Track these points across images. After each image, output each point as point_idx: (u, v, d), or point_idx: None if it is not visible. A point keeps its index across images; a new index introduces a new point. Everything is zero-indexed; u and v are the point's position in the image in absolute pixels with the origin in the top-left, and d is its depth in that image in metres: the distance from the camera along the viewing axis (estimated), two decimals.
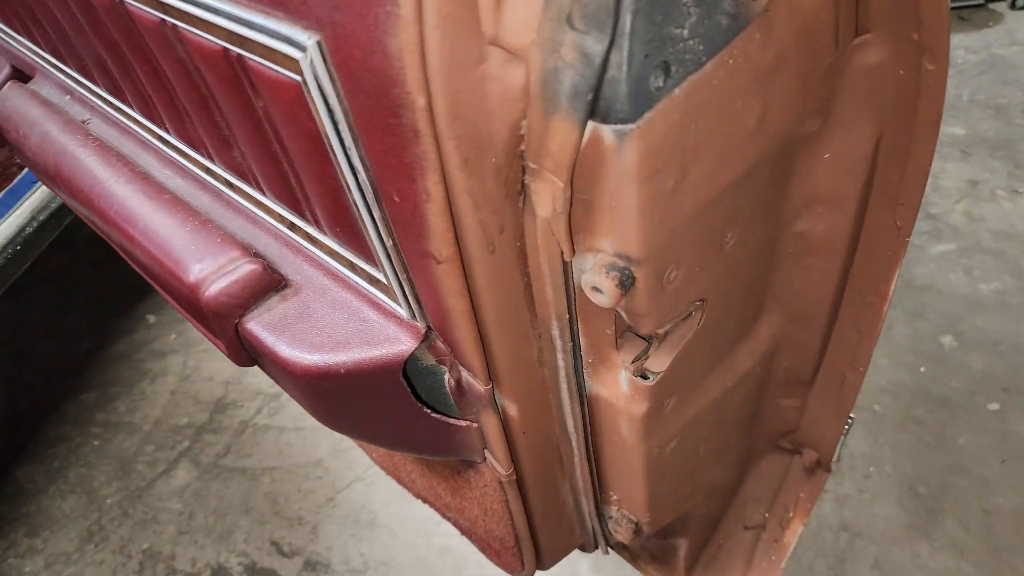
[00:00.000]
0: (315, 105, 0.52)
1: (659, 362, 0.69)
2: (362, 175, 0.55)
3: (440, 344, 0.70)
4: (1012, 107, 3.14)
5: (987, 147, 2.95)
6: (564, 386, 0.73)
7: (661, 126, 0.48)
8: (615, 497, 0.89)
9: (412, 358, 0.72)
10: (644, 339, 0.71)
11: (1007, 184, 2.79)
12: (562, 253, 0.57)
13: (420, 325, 0.69)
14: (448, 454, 0.83)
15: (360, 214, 0.59)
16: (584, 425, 0.77)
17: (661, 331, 0.67)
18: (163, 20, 0.66)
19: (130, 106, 0.97)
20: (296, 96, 0.55)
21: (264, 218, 0.82)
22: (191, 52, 0.65)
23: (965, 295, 2.42)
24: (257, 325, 0.77)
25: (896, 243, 0.72)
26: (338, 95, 0.51)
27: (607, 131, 0.47)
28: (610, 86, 0.45)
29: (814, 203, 0.70)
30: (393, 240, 0.59)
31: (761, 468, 1.02)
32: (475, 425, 0.78)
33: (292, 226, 0.78)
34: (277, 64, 0.54)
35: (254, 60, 0.57)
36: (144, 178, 0.92)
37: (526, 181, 0.53)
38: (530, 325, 0.67)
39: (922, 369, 2.22)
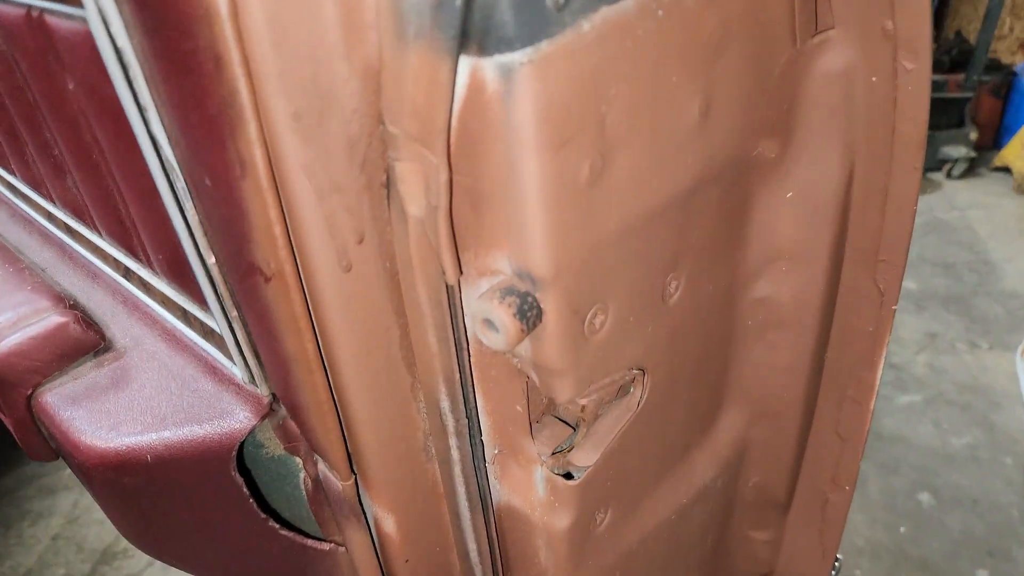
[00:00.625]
0: (103, 46, 0.38)
1: (586, 454, 0.51)
2: (165, 149, 0.40)
3: (291, 423, 0.52)
4: (960, 265, 3.19)
5: (940, 301, 2.96)
6: (461, 490, 0.54)
7: (566, 70, 0.34)
8: None
9: (255, 443, 0.53)
10: (569, 425, 0.53)
11: (965, 337, 2.75)
12: (444, 274, 0.41)
13: (263, 393, 0.51)
14: None
15: (170, 215, 0.44)
16: (492, 550, 0.57)
17: (586, 406, 0.50)
18: None
19: None
20: (89, 47, 0.41)
21: (102, 269, 0.66)
22: (3, 27, 0.51)
23: (936, 448, 2.30)
24: (54, 397, 0.57)
25: (880, 314, 0.58)
26: (126, 25, 0.37)
27: (489, 66, 0.33)
28: None
29: (777, 258, 0.57)
30: (214, 254, 0.43)
31: None
32: (341, 548, 0.57)
33: (127, 272, 0.61)
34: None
35: (52, 8, 0.43)
36: None
37: (391, 161, 0.39)
38: (410, 392, 0.49)
39: (901, 529, 2.03)
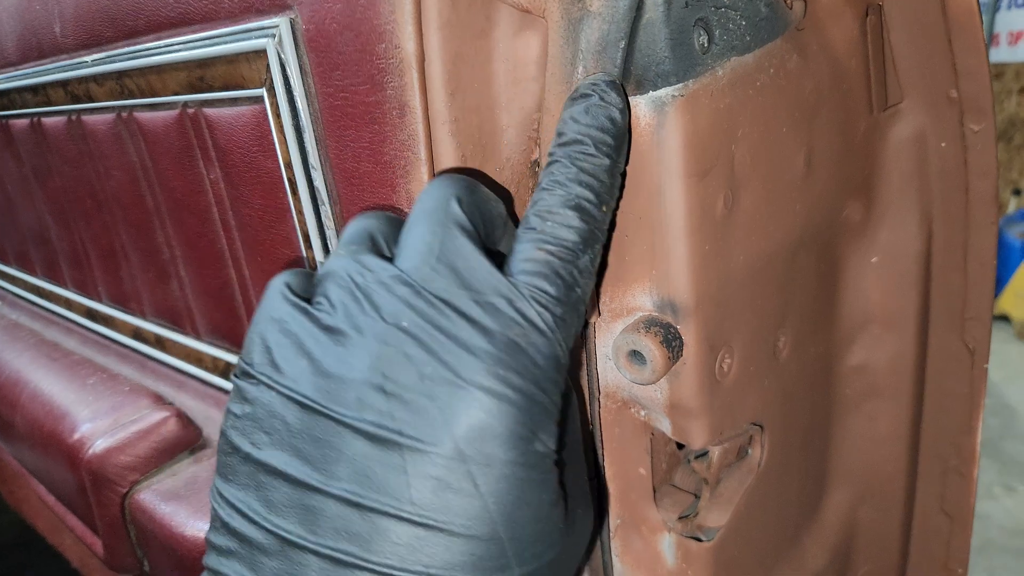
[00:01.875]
0: (278, 112, 0.43)
1: (717, 514, 0.50)
2: (326, 207, 0.43)
3: None
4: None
5: None
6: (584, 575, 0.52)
7: (706, 107, 0.39)
8: None
9: None
10: (688, 493, 0.52)
11: (1001, 481, 2.68)
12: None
13: None
14: None
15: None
16: None
17: (711, 465, 0.49)
18: (119, 112, 0.59)
19: (45, 277, 0.86)
20: (257, 123, 0.46)
21: (194, 372, 0.66)
22: (145, 135, 0.57)
23: None
24: (153, 495, 0.56)
25: (972, 375, 0.59)
26: (307, 90, 0.42)
27: (643, 102, 0.38)
28: (647, 32, 0.36)
29: (868, 323, 0.59)
30: None
31: None
32: None
33: (227, 369, 0.62)
34: (239, 86, 0.46)
35: (214, 98, 0.49)
36: (47, 344, 0.77)
37: None
38: None
39: None
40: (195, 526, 0.53)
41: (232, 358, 0.62)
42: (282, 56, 0.41)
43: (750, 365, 0.48)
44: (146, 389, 0.63)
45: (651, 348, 0.41)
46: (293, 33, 0.41)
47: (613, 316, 0.44)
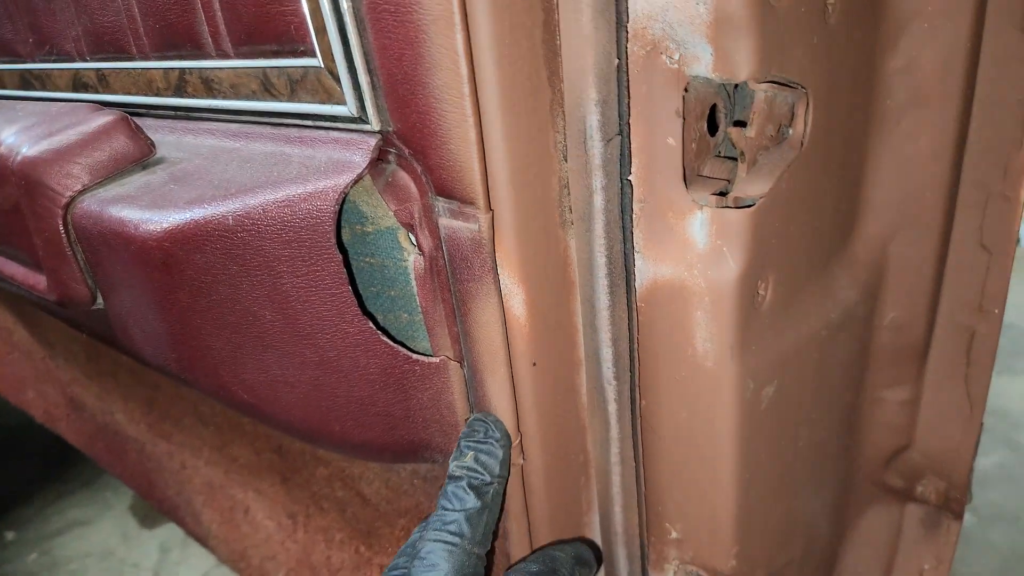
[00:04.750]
0: None
1: (757, 185, 0.43)
2: None
3: (403, 176, 0.43)
4: None
5: None
6: (600, 260, 0.45)
7: None
8: (674, 535, 0.55)
9: (356, 214, 0.45)
10: (722, 181, 0.46)
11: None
12: None
13: (374, 127, 0.43)
14: (384, 448, 0.50)
15: None
16: (631, 347, 0.48)
17: (752, 126, 0.42)
18: None
19: None
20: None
21: (146, 101, 0.57)
22: None
23: None
24: (100, 202, 0.48)
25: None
26: None
27: None
28: None
29: (918, 13, 0.52)
30: None
31: (863, 528, 0.69)
32: (452, 363, 0.47)
33: (180, 82, 0.53)
34: None
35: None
36: None
37: None
38: (548, 109, 0.42)
39: None
40: (156, 216, 0.45)
41: (187, 64, 0.53)
42: None
43: (804, 2, 0.41)
44: (83, 104, 0.55)
45: None
46: None
47: None
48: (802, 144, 0.45)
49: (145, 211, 0.45)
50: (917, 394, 0.64)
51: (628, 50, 0.41)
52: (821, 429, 0.58)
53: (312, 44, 0.43)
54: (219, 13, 0.47)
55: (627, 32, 0.40)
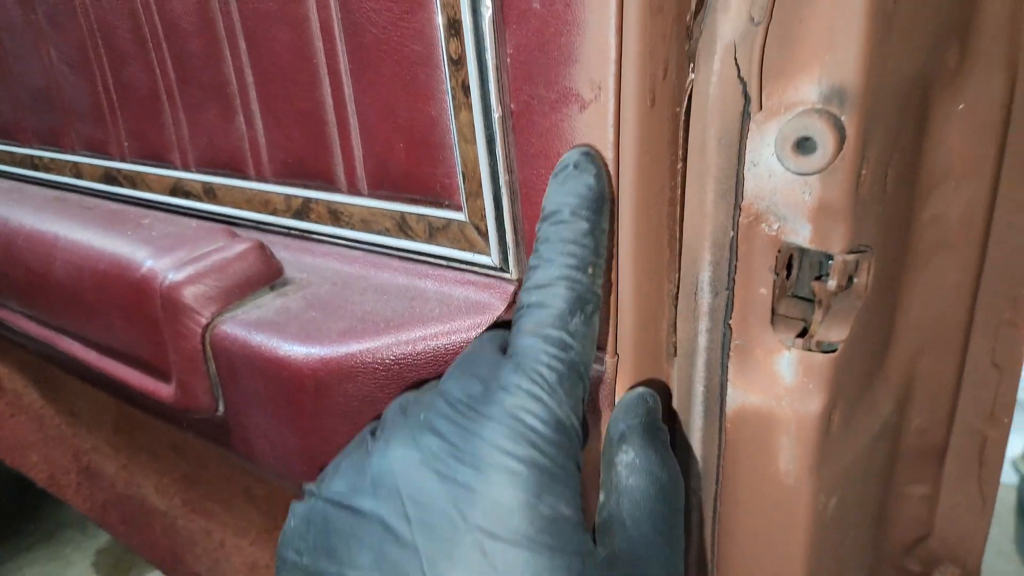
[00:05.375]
0: None
1: (836, 330, 0.51)
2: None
3: None
4: None
5: None
6: (698, 389, 0.52)
7: None
8: None
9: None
10: (803, 300, 0.53)
11: None
12: (745, 105, 0.43)
13: (512, 277, 0.49)
14: None
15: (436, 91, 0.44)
16: (718, 465, 0.54)
17: (832, 277, 0.50)
18: None
19: None
20: None
21: (256, 218, 0.62)
22: None
23: None
24: (240, 324, 0.53)
25: None
26: None
27: None
28: None
29: (948, 173, 0.61)
30: (502, 104, 0.43)
31: None
32: None
33: (303, 208, 0.59)
34: None
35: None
36: (64, 201, 0.71)
37: None
38: (666, 267, 0.49)
39: None
40: (297, 350, 0.50)
41: (313, 195, 0.58)
42: None
43: (876, 184, 0.49)
44: (217, 225, 0.59)
45: (825, 131, 0.41)
46: None
47: (768, 116, 0.44)
48: (866, 292, 0.53)
49: (297, 339, 0.49)
50: (936, 490, 0.72)
51: (739, 222, 0.48)
52: (863, 525, 0.65)
53: (460, 202, 0.49)
54: (359, 160, 0.53)
55: (740, 209, 0.47)
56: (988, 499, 0.71)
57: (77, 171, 0.80)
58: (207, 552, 0.94)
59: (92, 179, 0.79)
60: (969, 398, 0.69)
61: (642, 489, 0.40)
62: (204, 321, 0.53)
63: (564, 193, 0.39)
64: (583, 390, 0.39)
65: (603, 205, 0.41)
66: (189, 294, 0.53)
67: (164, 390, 0.56)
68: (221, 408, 0.56)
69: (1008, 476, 2.47)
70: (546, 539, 0.34)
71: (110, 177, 0.76)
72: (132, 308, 0.56)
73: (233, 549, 0.89)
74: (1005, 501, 2.45)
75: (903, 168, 0.56)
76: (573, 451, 0.37)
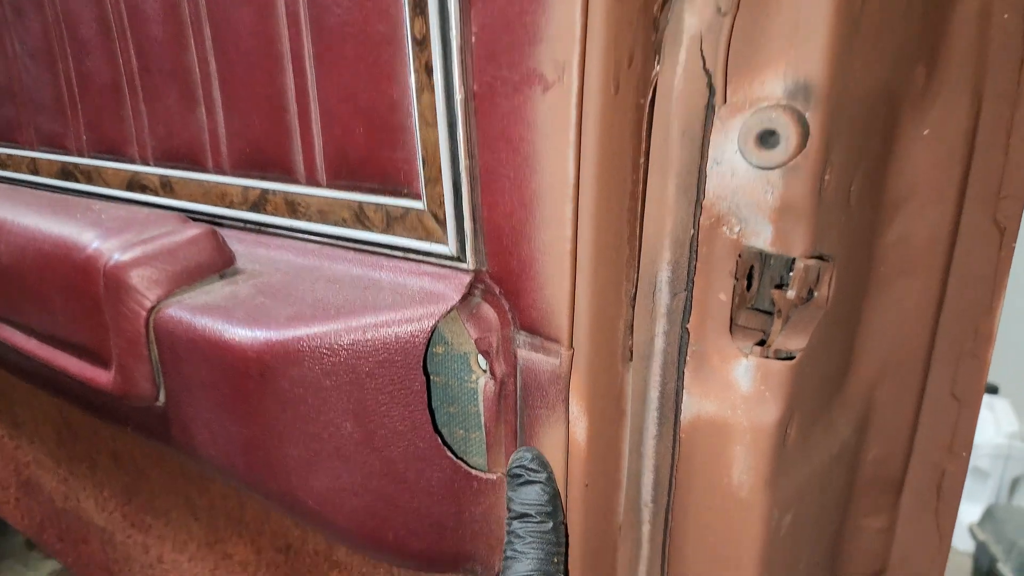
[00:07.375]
0: None
1: (795, 340, 0.50)
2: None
3: (487, 308, 0.48)
4: None
5: None
6: (653, 394, 0.51)
7: None
8: None
9: (437, 338, 0.49)
10: (762, 313, 0.52)
11: None
12: (710, 98, 0.43)
13: (469, 267, 0.48)
14: (436, 561, 0.53)
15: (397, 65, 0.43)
16: (671, 473, 0.53)
17: (791, 288, 0.50)
18: None
19: None
20: None
21: (212, 211, 0.61)
22: None
23: None
24: (186, 309, 0.51)
25: (1000, 255, 0.62)
26: None
27: None
28: None
29: (911, 196, 0.61)
30: (464, 86, 0.42)
31: None
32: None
33: (260, 200, 0.57)
34: None
35: None
36: (17, 192, 0.69)
37: None
38: (625, 265, 0.48)
39: None
40: (243, 333, 0.48)
41: (270, 186, 0.57)
42: None
43: (839, 191, 0.49)
44: (170, 211, 0.57)
45: (788, 124, 0.40)
46: None
47: (733, 111, 0.44)
48: (827, 304, 0.53)
49: (243, 323, 0.47)
50: (892, 523, 0.70)
51: (699, 221, 0.47)
52: (817, 552, 0.63)
53: (419, 189, 0.48)
54: (319, 148, 0.52)
55: (701, 207, 0.47)
56: (944, 535, 0.69)
57: (34, 167, 0.78)
58: (143, 569, 0.89)
59: (49, 175, 0.77)
60: (927, 429, 0.68)
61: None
62: (148, 304, 0.51)
63: (528, 497, 0.48)
64: None
65: (557, 503, 0.49)
66: (135, 276, 0.51)
67: (103, 376, 0.54)
68: (162, 397, 0.53)
69: (964, 543, 2.44)
70: None
71: (67, 172, 0.74)
72: (74, 290, 0.53)
73: (171, 566, 0.85)
74: (962, 568, 2.41)
75: (868, 184, 0.56)
76: None
